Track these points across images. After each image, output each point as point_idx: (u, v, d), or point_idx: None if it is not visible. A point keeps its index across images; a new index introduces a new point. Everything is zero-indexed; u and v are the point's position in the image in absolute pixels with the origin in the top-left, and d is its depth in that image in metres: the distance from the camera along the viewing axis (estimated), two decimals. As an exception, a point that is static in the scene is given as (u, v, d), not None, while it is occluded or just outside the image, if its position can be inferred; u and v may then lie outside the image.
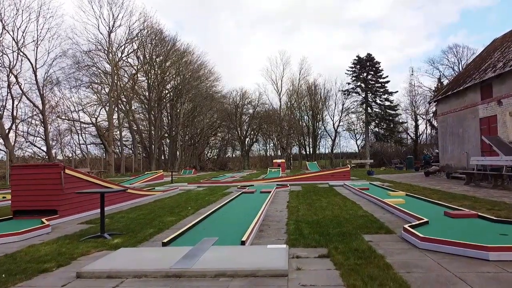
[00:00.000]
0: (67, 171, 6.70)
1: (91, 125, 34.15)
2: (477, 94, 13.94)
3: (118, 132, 38.18)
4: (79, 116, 35.96)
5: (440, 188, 11.05)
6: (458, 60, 49.99)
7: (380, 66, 49.45)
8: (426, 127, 52.28)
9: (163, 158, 45.86)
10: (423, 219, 4.99)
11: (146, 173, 21.07)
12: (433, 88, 50.07)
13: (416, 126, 51.32)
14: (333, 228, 5.13)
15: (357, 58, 50.13)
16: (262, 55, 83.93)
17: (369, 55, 49.90)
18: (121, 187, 7.69)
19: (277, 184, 13.24)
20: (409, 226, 4.54)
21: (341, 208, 7.07)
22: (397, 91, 49.77)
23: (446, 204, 6.72)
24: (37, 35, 25.28)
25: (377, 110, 49.14)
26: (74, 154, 38.07)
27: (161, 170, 22.15)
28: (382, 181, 14.48)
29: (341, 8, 75.08)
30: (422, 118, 51.32)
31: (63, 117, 32.78)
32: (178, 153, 40.96)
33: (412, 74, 56.86)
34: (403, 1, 73.55)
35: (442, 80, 49.55)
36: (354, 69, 49.97)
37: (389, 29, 75.04)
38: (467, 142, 14.70)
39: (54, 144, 33.55)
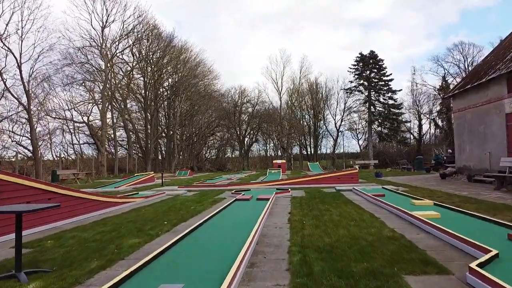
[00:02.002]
0: (1, 176, 5.13)
1: (83, 124, 32.57)
2: (502, 86, 12.35)
3: (112, 131, 36.60)
4: (72, 115, 34.44)
5: (467, 194, 9.46)
6: (464, 57, 48.26)
7: (383, 64, 47.94)
8: (430, 127, 50.66)
9: (160, 158, 44.30)
10: (490, 250, 3.40)
11: (135, 174, 19.51)
12: (438, 87, 48.61)
13: (420, 126, 49.81)
14: (356, 261, 3.55)
15: (359, 56, 48.56)
16: (261, 55, 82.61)
17: (372, 52, 48.36)
18: (54, 203, 6.08)
19: (276, 189, 11.67)
20: (477, 265, 2.96)
21: (359, 224, 5.49)
22: (401, 89, 48.13)
23: (496, 220, 5.15)
24: (22, 27, 23.72)
25: (380, 109, 47.62)
26: (66, 154, 36.53)
27: (152, 172, 20.56)
28: (394, 184, 12.91)
29: (341, 8, 73.60)
30: (426, 117, 49.79)
31: (53, 115, 31.24)
32: (175, 153, 39.39)
33: (414, 73, 55.33)
34: (403, 1, 72.07)
35: (446, 78, 47.99)
36: (357, 66, 48.43)
37: (389, 29, 73.68)
38: (490, 141, 13.12)
39: (44, 144, 32.06)
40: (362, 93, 48.25)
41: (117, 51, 34.66)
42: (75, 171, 21.82)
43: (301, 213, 6.81)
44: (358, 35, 74.29)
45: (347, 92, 48.71)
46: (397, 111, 47.19)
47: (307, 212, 6.85)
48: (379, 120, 47.37)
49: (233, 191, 11.38)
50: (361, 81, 48.04)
